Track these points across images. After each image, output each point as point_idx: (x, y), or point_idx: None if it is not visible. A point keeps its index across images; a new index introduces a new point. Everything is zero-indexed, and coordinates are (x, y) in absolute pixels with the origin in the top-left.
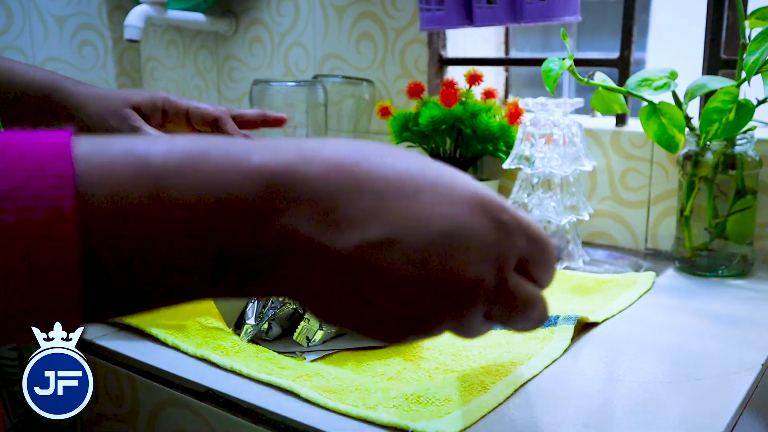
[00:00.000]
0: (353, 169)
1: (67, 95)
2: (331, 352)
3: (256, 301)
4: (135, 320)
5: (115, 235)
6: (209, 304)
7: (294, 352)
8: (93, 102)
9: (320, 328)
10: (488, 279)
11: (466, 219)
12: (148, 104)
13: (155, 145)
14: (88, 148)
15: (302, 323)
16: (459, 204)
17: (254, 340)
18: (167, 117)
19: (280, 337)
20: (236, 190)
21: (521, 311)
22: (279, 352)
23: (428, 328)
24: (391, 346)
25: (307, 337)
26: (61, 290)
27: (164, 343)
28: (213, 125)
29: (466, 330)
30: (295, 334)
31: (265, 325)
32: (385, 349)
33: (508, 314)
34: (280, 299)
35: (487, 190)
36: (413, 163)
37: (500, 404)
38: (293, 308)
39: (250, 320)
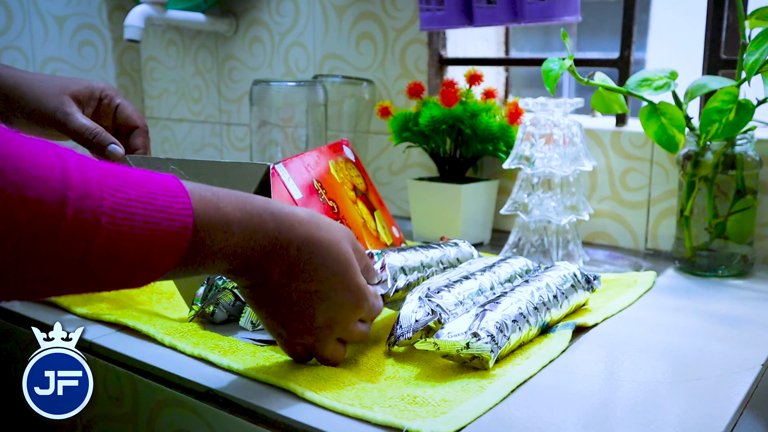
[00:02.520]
0: (311, 249)
1: None
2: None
3: (205, 283)
4: (129, 321)
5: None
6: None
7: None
8: (29, 85)
9: None
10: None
11: (346, 299)
12: (85, 94)
13: (226, 202)
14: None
15: (246, 309)
16: (348, 288)
17: (202, 323)
18: (100, 107)
19: (224, 323)
20: (260, 241)
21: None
22: (261, 341)
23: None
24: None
25: (252, 322)
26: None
27: (161, 343)
28: (130, 131)
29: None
30: (241, 320)
31: (210, 309)
32: (383, 348)
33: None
34: (223, 285)
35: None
36: (339, 252)
37: (496, 404)
38: (233, 297)
39: (198, 302)
